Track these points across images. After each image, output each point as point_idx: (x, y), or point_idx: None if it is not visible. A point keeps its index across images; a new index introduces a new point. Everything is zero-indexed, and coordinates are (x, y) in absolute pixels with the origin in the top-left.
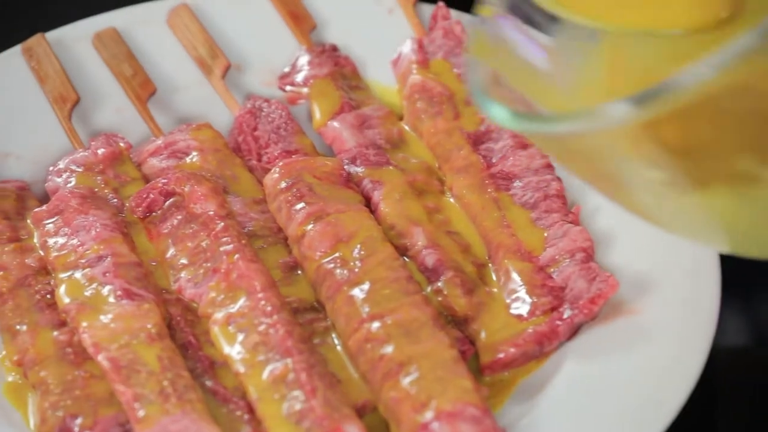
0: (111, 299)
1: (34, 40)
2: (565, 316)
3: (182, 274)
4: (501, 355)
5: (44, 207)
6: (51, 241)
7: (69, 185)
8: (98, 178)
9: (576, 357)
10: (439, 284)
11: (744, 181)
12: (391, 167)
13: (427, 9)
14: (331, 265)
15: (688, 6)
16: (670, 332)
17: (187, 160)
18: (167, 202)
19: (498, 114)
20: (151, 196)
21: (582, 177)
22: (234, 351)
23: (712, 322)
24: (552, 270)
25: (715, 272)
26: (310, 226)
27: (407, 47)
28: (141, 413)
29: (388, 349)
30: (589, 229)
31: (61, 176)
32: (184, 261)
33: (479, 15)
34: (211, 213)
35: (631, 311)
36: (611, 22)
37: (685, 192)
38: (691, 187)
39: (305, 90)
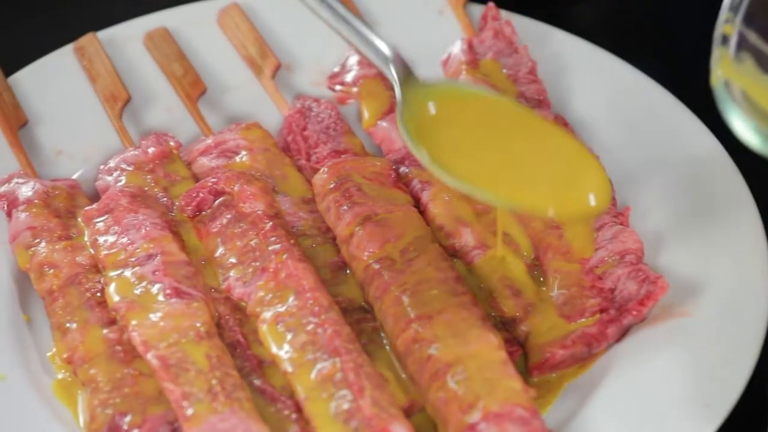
0: (160, 298)
1: (86, 40)
2: (613, 317)
3: (231, 273)
4: (549, 357)
5: (95, 205)
6: (101, 240)
7: (119, 184)
8: (148, 176)
9: (624, 359)
10: (488, 285)
11: None
12: None
13: (477, 9)
14: (380, 266)
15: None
16: (720, 334)
17: (237, 159)
18: (216, 201)
19: (745, 130)
20: (201, 195)
21: None
22: (282, 350)
23: (763, 324)
24: (601, 271)
25: (765, 274)
26: (358, 227)
27: (457, 48)
28: (189, 411)
29: (436, 350)
30: (639, 230)
31: (111, 175)
32: (233, 260)
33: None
34: (260, 212)
35: (681, 313)
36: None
37: None
38: None
39: (355, 90)
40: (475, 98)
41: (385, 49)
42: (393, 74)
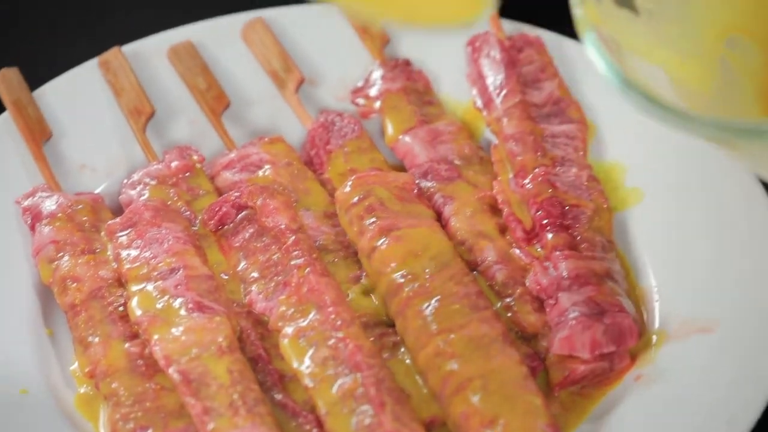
0: (182, 312)
1: (111, 54)
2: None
3: (253, 288)
4: (570, 372)
5: (118, 219)
6: (124, 254)
7: (142, 198)
8: (171, 190)
9: (647, 376)
10: (509, 300)
11: None
12: (462, 182)
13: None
14: (402, 280)
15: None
16: (742, 350)
17: (260, 173)
18: (239, 216)
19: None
20: (224, 209)
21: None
22: (303, 365)
23: None
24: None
25: None
26: (381, 241)
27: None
28: (211, 426)
29: (458, 365)
30: (654, 240)
31: (134, 189)
32: (255, 274)
33: None
34: (283, 227)
35: (703, 329)
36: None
37: None
38: None
39: (378, 104)
40: None
41: None
42: None
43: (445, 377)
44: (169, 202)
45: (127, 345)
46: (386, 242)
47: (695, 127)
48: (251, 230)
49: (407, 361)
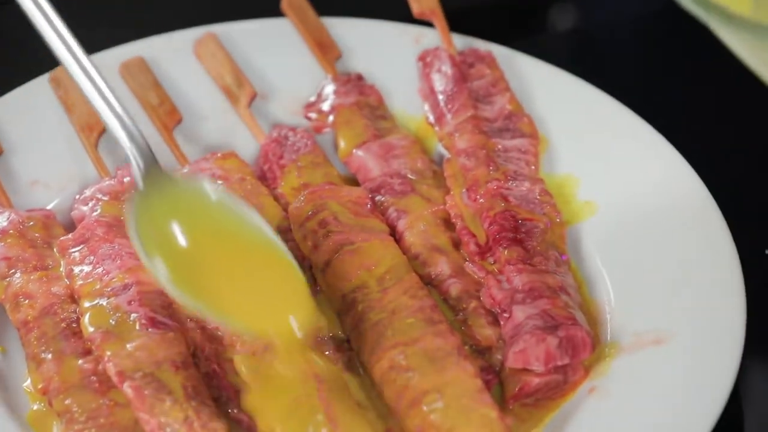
0: (136, 328)
1: (61, 70)
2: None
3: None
4: (524, 385)
5: (70, 235)
6: (77, 270)
7: (95, 214)
8: (124, 206)
9: (601, 387)
10: (464, 314)
11: None
12: (416, 197)
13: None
14: (356, 294)
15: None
16: (695, 363)
17: None
18: None
19: None
20: None
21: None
22: (257, 380)
23: (737, 351)
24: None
25: (739, 297)
26: (334, 255)
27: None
28: None
29: (413, 378)
30: (607, 252)
31: (87, 204)
32: None
33: None
34: None
35: (657, 342)
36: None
37: None
38: None
39: (330, 119)
40: (208, 205)
41: (136, 133)
42: (138, 163)
43: (400, 391)
44: (121, 218)
45: (80, 361)
46: (340, 257)
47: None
48: None
49: (362, 374)
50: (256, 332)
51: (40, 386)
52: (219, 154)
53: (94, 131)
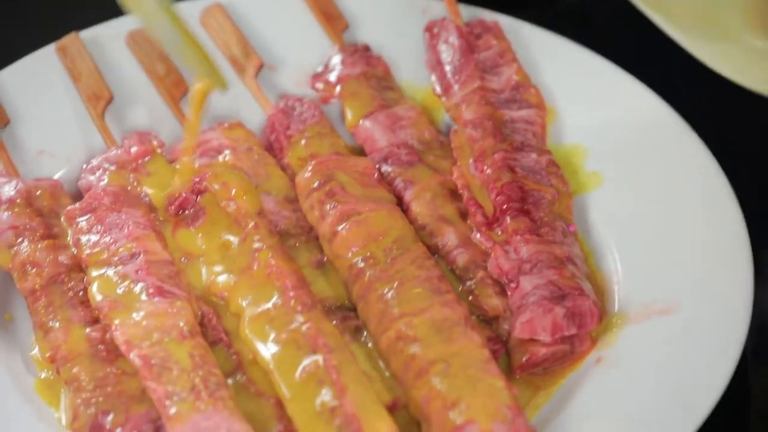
0: (143, 297)
1: (69, 39)
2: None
3: (214, 271)
4: (531, 355)
5: (77, 204)
6: (84, 239)
7: (102, 183)
8: (131, 176)
9: (607, 358)
10: (471, 284)
11: None
12: (423, 167)
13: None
14: (363, 264)
15: None
16: (702, 334)
17: (220, 158)
18: (199, 200)
19: None
20: (183, 194)
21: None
22: (264, 348)
23: (744, 323)
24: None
25: (748, 273)
26: (342, 226)
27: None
28: (172, 410)
29: (419, 348)
30: (612, 217)
31: (94, 174)
32: (215, 258)
33: None
34: (243, 211)
35: (664, 312)
36: None
37: None
38: None
39: (338, 89)
40: None
41: None
42: None
43: (407, 361)
44: (128, 188)
45: (87, 330)
46: (347, 227)
47: None
48: (211, 215)
49: (369, 345)
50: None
51: (47, 354)
52: (226, 124)
53: (100, 101)
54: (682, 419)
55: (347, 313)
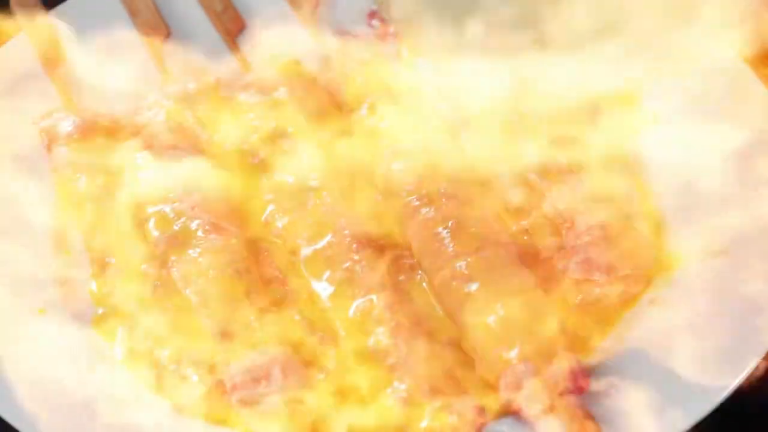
0: (199, 233)
1: None
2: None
3: (270, 209)
4: (586, 295)
5: (135, 140)
6: (141, 175)
7: (159, 119)
8: (188, 112)
9: (661, 299)
10: (525, 223)
11: None
12: None
13: None
14: (418, 203)
15: None
16: (756, 275)
17: (276, 96)
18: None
19: None
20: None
21: None
22: (319, 286)
23: None
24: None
25: None
26: (397, 162)
27: None
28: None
29: (474, 287)
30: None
31: (151, 110)
32: (271, 196)
33: None
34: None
35: (719, 253)
36: None
37: None
38: None
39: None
40: None
41: None
42: None
43: (462, 300)
44: (185, 124)
45: (143, 266)
46: (401, 165)
47: None
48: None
49: (424, 283)
50: None
51: (104, 290)
52: (282, 61)
53: (158, 37)
54: (740, 358)
55: (402, 252)
